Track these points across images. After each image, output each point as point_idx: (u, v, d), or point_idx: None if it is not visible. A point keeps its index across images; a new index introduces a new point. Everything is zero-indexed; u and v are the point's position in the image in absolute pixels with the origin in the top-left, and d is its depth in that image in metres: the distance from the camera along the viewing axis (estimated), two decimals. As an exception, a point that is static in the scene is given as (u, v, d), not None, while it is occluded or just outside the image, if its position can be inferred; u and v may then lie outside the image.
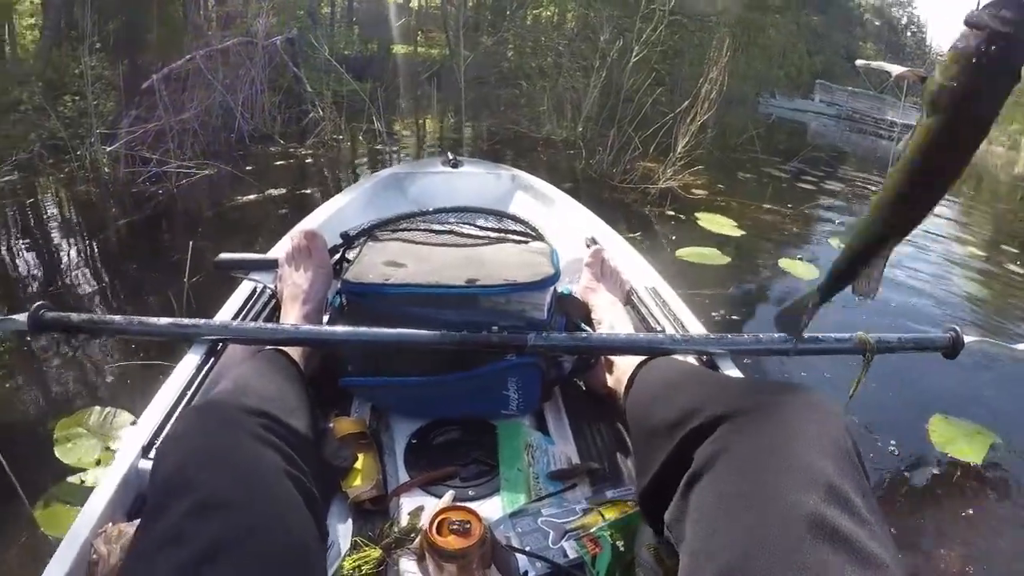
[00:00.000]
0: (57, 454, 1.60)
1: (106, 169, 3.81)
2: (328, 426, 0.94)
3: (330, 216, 1.62)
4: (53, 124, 4.11)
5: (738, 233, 3.62)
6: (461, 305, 0.98)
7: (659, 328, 1.22)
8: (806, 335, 1.00)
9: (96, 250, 3.02)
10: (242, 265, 1.31)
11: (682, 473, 0.65)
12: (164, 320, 1.01)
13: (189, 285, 2.21)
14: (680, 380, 0.84)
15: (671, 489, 0.67)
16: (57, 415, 1.77)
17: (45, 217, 3.37)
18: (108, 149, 3.84)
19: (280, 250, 1.30)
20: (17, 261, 2.84)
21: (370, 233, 1.23)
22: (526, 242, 1.18)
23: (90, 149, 3.87)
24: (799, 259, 3.27)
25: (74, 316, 1.01)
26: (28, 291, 2.54)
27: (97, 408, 1.78)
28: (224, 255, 1.32)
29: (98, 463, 1.58)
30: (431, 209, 1.31)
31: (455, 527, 0.73)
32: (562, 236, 1.27)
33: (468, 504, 0.80)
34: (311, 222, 1.57)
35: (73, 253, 2.95)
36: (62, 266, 2.81)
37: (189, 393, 0.92)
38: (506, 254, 1.10)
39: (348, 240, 1.24)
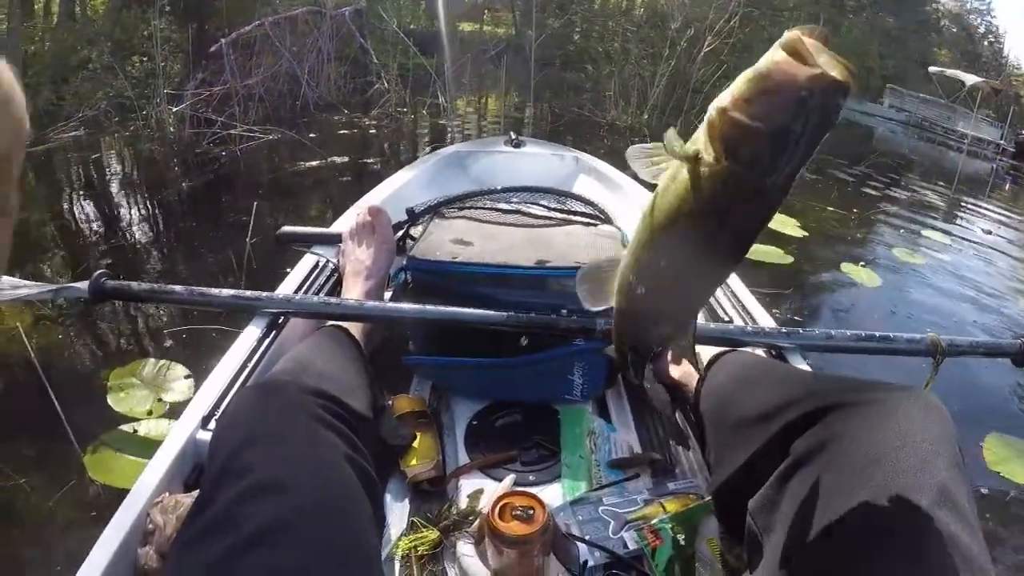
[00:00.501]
0: (110, 402, 1.64)
1: (171, 129, 3.88)
2: (387, 404, 0.94)
3: (393, 192, 1.61)
4: (120, 83, 4.21)
5: (801, 233, 3.54)
6: (529, 286, 0.96)
7: (727, 319, 1.18)
8: (878, 334, 0.98)
9: (158, 208, 3.08)
10: (304, 239, 1.30)
11: (773, 464, 0.63)
12: (225, 292, 1.01)
13: (251, 247, 2.25)
14: (762, 373, 0.81)
15: (757, 481, 0.64)
16: (112, 366, 1.82)
17: (109, 173, 3.44)
18: (174, 110, 3.91)
19: (343, 225, 1.30)
20: (80, 217, 2.92)
21: (436, 210, 1.22)
22: (595, 225, 1.16)
23: (156, 109, 3.94)
24: (862, 265, 3.17)
25: (135, 285, 1.02)
26: (91, 248, 2.61)
27: (151, 360, 1.83)
28: (286, 228, 1.31)
29: (149, 413, 1.63)
30: (498, 188, 1.29)
31: (518, 513, 0.72)
32: (628, 221, 1.23)
33: (530, 489, 0.79)
34: (374, 197, 1.56)
35: (136, 210, 3.02)
36: (124, 223, 2.88)
37: (250, 366, 0.91)
38: (575, 236, 1.08)
39: (413, 216, 1.23)
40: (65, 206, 2.98)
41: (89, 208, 3.00)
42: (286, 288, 1.14)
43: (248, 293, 1.01)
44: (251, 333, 0.98)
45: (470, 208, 1.21)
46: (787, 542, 0.55)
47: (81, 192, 3.14)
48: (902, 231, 4.03)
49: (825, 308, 2.69)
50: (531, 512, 0.72)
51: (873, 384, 0.64)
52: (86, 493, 1.38)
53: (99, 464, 1.44)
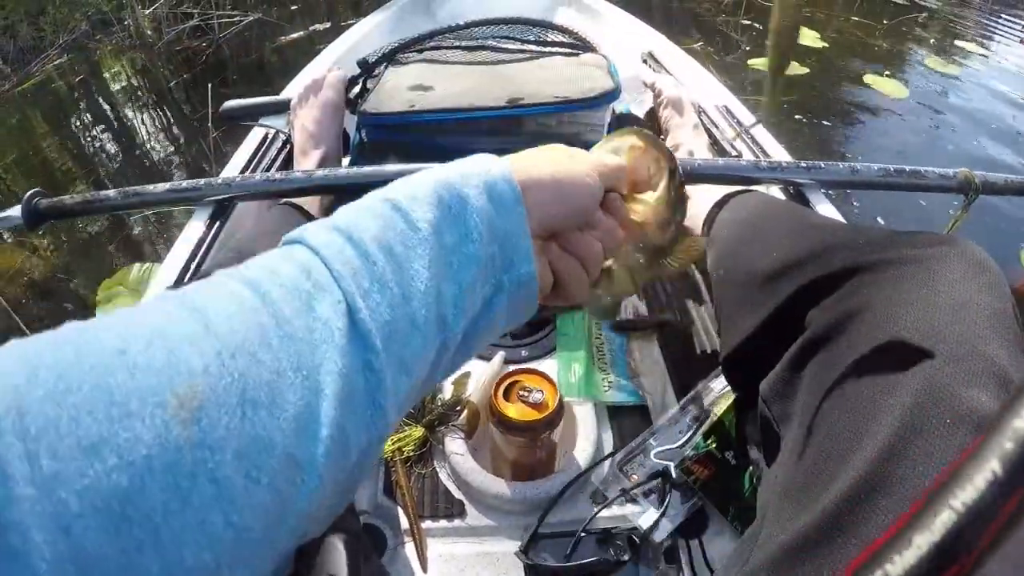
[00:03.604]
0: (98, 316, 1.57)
1: (149, 32, 3.65)
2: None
3: (351, 47, 1.41)
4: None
5: (821, 45, 3.24)
6: (502, 131, 0.82)
7: (735, 153, 1.01)
8: (907, 168, 0.82)
9: (146, 115, 2.93)
10: (251, 111, 1.13)
11: (786, 337, 0.50)
12: (161, 186, 0.86)
13: (219, 136, 2.09)
14: (774, 218, 0.66)
15: (770, 353, 0.52)
16: (100, 281, 1.75)
17: (95, 92, 3.26)
18: (146, 12, 3.65)
19: (293, 89, 1.12)
20: (68, 140, 2.77)
21: (391, 57, 1.03)
22: (576, 54, 0.97)
23: (132, 15, 3.69)
24: (887, 75, 2.89)
25: (67, 200, 0.88)
26: (89, 168, 2.48)
27: (136, 265, 1.75)
28: (229, 103, 1.14)
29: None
30: (462, 23, 1.09)
31: (525, 395, 0.62)
32: (615, 53, 1.04)
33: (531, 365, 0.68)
34: (329, 54, 1.37)
35: (122, 122, 2.86)
36: (110, 138, 2.73)
37: (192, 267, 0.80)
38: (554, 68, 0.90)
39: (367, 67, 1.04)
40: (54, 134, 2.82)
41: (77, 130, 2.84)
42: (231, 170, 0.99)
43: (185, 183, 0.87)
44: (193, 229, 0.85)
45: (431, 50, 1.02)
46: (808, 440, 0.43)
47: (68, 117, 2.95)
48: (933, 41, 3.66)
49: (847, 125, 2.48)
50: (542, 395, 0.62)
51: (905, 236, 0.48)
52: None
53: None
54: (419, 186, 0.35)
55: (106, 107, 3.05)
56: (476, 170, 0.37)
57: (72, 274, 1.86)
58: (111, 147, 2.66)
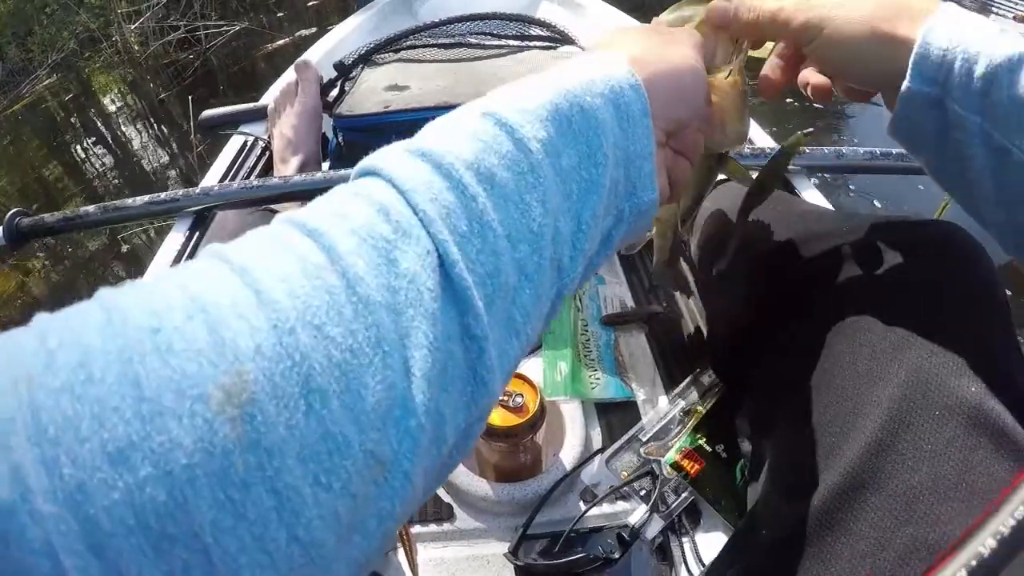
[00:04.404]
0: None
1: (136, 48, 3.66)
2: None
3: (331, 49, 1.40)
4: (82, 17, 3.92)
5: None
6: (478, 128, 0.80)
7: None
8: (894, 151, 0.81)
9: (135, 129, 2.93)
10: (229, 119, 1.13)
11: (774, 327, 0.49)
12: (140, 199, 0.86)
13: (202, 149, 2.08)
14: (760, 208, 0.63)
15: (758, 346, 0.51)
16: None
17: (86, 109, 3.27)
18: (132, 27, 3.65)
19: (270, 95, 1.12)
20: (64, 160, 2.76)
21: (367, 58, 1.03)
22: (554, 47, 0.96)
23: (119, 31, 3.70)
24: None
25: (47, 218, 0.88)
26: (82, 185, 2.48)
27: (126, 281, 1.74)
28: (207, 112, 1.13)
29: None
30: (438, 20, 1.08)
31: (506, 400, 0.60)
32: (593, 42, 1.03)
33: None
34: (309, 58, 1.36)
35: (112, 137, 2.86)
36: (100, 153, 2.73)
37: None
38: (530, 62, 0.90)
39: (343, 70, 1.04)
40: (46, 153, 2.82)
41: (68, 148, 2.84)
42: (210, 179, 0.98)
43: (163, 195, 0.86)
44: (173, 240, 0.84)
45: (407, 49, 1.01)
46: (796, 434, 0.42)
47: (60, 136, 2.96)
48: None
49: (834, 109, 2.46)
50: (520, 399, 0.60)
51: (890, 223, 0.46)
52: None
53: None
54: (528, 94, 0.28)
55: (97, 123, 3.06)
56: (598, 74, 0.30)
57: (65, 292, 1.85)
58: (103, 163, 2.66)
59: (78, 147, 2.80)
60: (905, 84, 0.36)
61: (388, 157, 0.26)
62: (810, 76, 0.43)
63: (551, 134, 0.27)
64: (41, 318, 0.19)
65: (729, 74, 0.41)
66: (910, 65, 0.35)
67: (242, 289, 0.20)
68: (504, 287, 0.25)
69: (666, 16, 0.43)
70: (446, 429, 0.23)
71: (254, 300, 0.20)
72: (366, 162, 0.26)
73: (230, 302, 0.19)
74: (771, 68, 0.44)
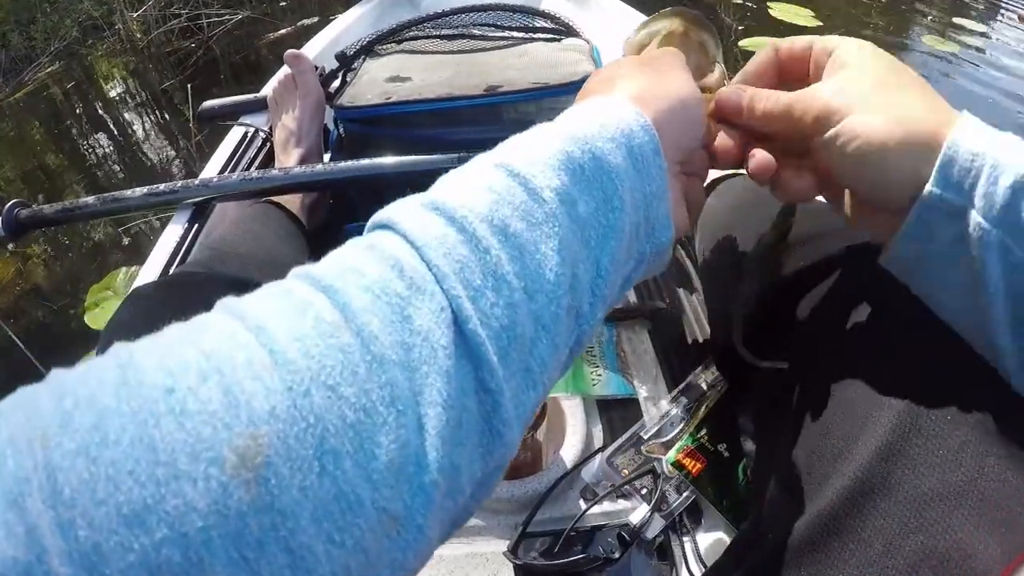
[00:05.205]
0: (87, 322, 1.56)
1: (139, 36, 3.65)
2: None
3: (332, 40, 1.39)
4: (85, 5, 3.91)
5: (815, 23, 3.20)
6: (481, 120, 0.80)
7: None
8: None
9: (137, 118, 2.92)
10: (229, 110, 1.12)
11: (778, 325, 0.48)
12: (139, 191, 0.85)
13: (201, 139, 2.07)
14: (762, 204, 0.61)
15: (761, 344, 0.50)
16: (89, 285, 1.74)
17: (89, 97, 3.26)
18: (135, 15, 3.64)
19: (271, 86, 1.11)
20: (67, 149, 2.76)
21: (369, 49, 1.01)
22: (559, 39, 0.95)
23: (121, 19, 3.68)
24: (881, 52, 2.85)
25: (46, 209, 0.87)
26: (84, 174, 2.47)
27: (123, 268, 1.74)
28: (207, 103, 1.12)
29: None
30: (441, 11, 1.07)
31: None
32: (600, 37, 1.02)
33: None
34: (311, 48, 1.35)
35: (122, 128, 2.85)
36: (101, 142, 2.72)
37: (172, 270, 0.78)
38: (533, 54, 0.88)
39: (345, 61, 1.03)
40: (49, 141, 2.81)
41: (71, 137, 2.84)
42: (210, 170, 0.97)
43: (162, 186, 0.85)
44: (172, 232, 0.83)
45: (409, 40, 1.00)
46: (803, 436, 0.41)
47: (62, 125, 2.95)
48: (931, 19, 3.61)
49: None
50: None
51: None
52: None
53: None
54: (539, 144, 0.28)
55: (100, 111, 3.04)
56: (606, 118, 0.30)
57: (65, 280, 1.85)
58: (105, 151, 2.65)
59: (80, 135, 2.80)
60: (928, 188, 0.33)
61: (402, 211, 0.26)
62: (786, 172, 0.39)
63: (565, 183, 0.27)
64: (57, 374, 0.20)
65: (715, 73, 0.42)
66: (936, 168, 0.32)
67: (257, 349, 0.20)
68: (520, 339, 0.25)
69: (637, 36, 0.43)
70: (462, 481, 0.23)
71: (269, 361, 0.20)
72: (380, 215, 0.27)
73: (244, 362, 0.20)
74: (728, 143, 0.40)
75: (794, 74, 0.40)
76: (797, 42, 0.40)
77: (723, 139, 0.40)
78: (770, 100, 0.38)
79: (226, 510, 0.17)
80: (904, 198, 0.34)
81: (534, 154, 0.28)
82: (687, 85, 0.35)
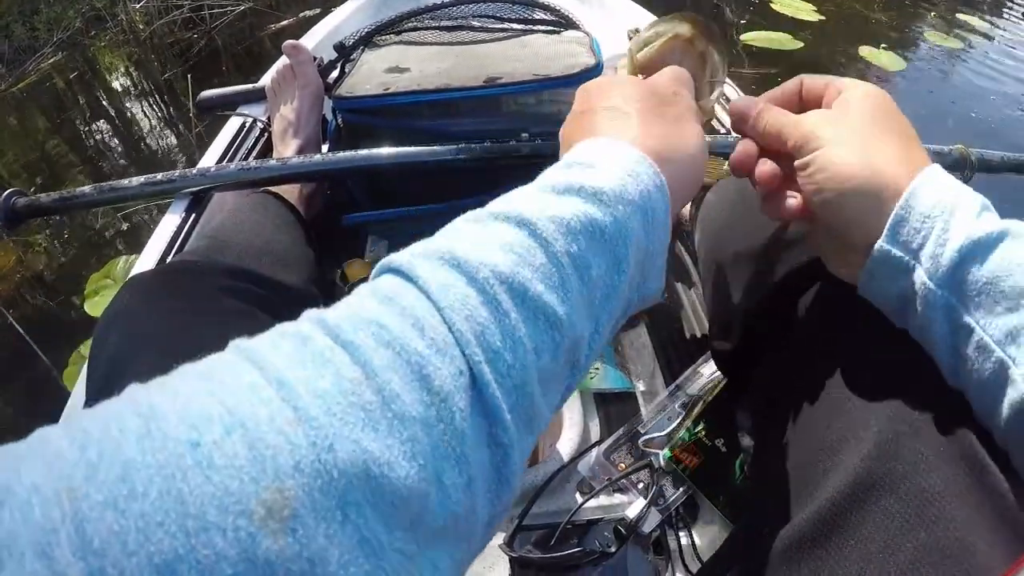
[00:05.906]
0: (87, 310, 1.56)
1: (141, 26, 3.64)
2: (339, 272, 0.81)
3: (331, 31, 1.38)
4: None
5: (817, 18, 3.18)
6: (480, 112, 0.79)
7: (723, 130, 0.99)
8: None
9: (138, 109, 2.91)
10: (228, 100, 1.11)
11: (776, 321, 0.47)
12: (136, 180, 0.85)
13: (202, 129, 2.06)
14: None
15: (759, 339, 0.50)
16: (89, 274, 1.74)
17: (91, 88, 3.25)
18: (138, 6, 3.62)
19: (268, 77, 1.10)
20: (69, 139, 2.75)
21: (368, 40, 1.01)
22: (558, 32, 0.94)
23: (124, 10, 3.66)
24: (883, 48, 2.84)
25: (43, 198, 0.86)
26: (87, 164, 2.46)
27: (123, 258, 1.74)
28: (205, 92, 1.11)
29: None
30: (441, 2, 1.06)
31: None
32: (601, 30, 1.01)
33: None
34: (310, 39, 1.34)
35: (125, 119, 2.84)
36: (103, 133, 2.72)
37: (169, 259, 0.78)
38: (533, 46, 0.88)
39: (344, 51, 1.02)
40: (51, 132, 2.81)
41: (74, 127, 2.83)
42: (208, 160, 0.97)
43: (160, 176, 0.85)
44: (170, 221, 0.83)
45: (408, 31, 0.99)
46: (800, 432, 0.41)
47: (65, 115, 2.94)
48: (935, 14, 3.59)
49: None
50: None
51: None
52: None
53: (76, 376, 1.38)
54: (565, 203, 0.28)
55: (102, 102, 3.03)
56: (628, 178, 0.30)
57: (66, 269, 1.85)
58: (107, 141, 2.64)
59: (83, 125, 2.79)
60: (879, 244, 0.34)
61: (420, 262, 0.26)
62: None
63: (583, 248, 0.28)
64: (75, 419, 0.20)
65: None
66: (887, 226, 0.33)
67: (280, 405, 0.20)
68: (529, 396, 0.26)
69: (645, 33, 0.43)
70: (475, 525, 0.24)
71: (292, 416, 0.20)
72: (395, 260, 0.27)
73: (267, 417, 0.20)
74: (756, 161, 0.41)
75: (811, 106, 0.42)
76: (819, 78, 0.41)
77: (746, 146, 0.41)
78: (771, 116, 0.39)
79: (255, 558, 0.18)
80: (865, 241, 0.35)
81: (558, 211, 0.28)
82: (699, 139, 0.36)
